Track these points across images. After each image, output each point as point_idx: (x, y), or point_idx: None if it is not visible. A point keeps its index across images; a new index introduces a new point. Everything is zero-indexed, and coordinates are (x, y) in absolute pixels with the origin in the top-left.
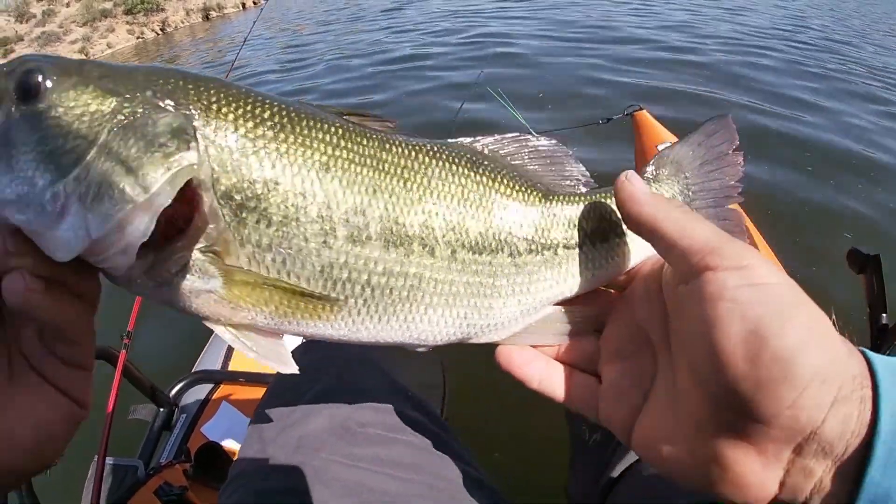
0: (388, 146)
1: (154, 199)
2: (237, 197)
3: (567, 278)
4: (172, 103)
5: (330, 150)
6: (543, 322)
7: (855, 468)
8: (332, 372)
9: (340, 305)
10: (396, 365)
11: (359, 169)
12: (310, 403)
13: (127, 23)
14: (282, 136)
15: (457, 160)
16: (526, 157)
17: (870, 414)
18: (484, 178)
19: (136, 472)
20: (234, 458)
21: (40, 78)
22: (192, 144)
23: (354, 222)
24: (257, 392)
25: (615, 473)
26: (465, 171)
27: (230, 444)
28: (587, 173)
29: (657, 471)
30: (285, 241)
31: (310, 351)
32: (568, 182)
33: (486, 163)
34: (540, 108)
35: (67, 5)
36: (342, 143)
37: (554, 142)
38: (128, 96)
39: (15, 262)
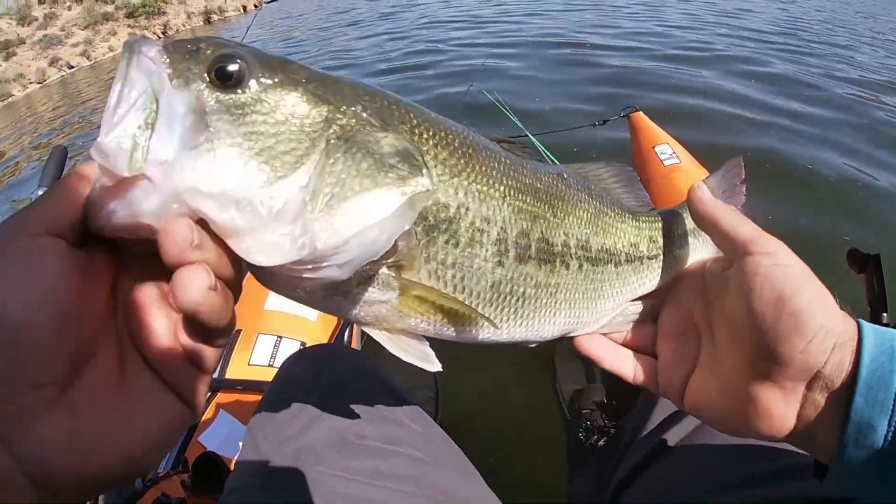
0: (538, 176)
1: (395, 220)
2: (431, 218)
3: (646, 281)
4: (382, 123)
5: (505, 180)
6: (620, 315)
7: (846, 400)
8: (330, 381)
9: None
10: (391, 371)
11: (524, 197)
12: (307, 414)
13: (129, 26)
14: (471, 165)
15: (580, 187)
16: (612, 180)
17: (855, 359)
18: (598, 203)
19: (134, 484)
20: (232, 469)
21: (241, 67)
22: (424, 171)
23: (521, 244)
24: (255, 400)
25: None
26: (587, 197)
27: (228, 454)
28: (646, 194)
29: (707, 422)
30: (468, 261)
31: (303, 360)
32: (639, 202)
33: (595, 188)
34: (536, 110)
35: (69, 8)
36: (511, 172)
37: (628, 168)
38: (340, 108)
39: (198, 256)
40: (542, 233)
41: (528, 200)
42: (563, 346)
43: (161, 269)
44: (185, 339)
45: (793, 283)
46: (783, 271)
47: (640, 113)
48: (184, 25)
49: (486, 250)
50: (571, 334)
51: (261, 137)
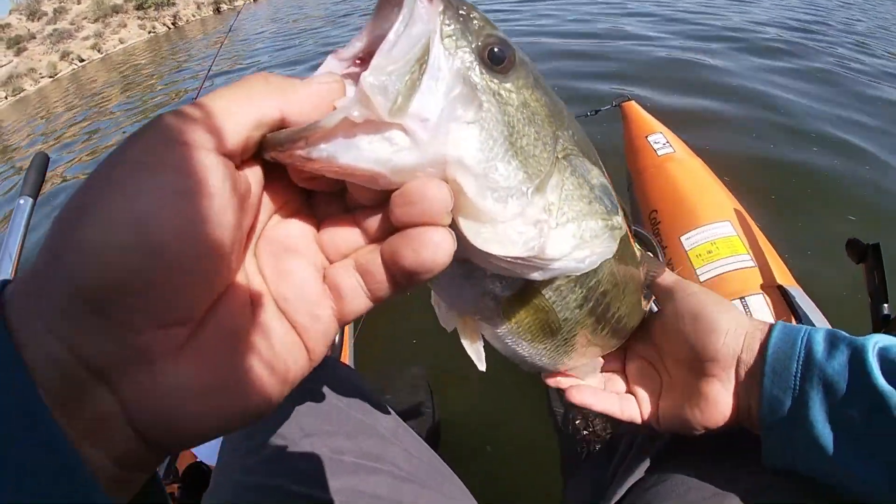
0: (630, 241)
1: (605, 249)
2: None
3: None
4: (583, 153)
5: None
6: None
7: (760, 380)
8: (303, 391)
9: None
10: (380, 387)
11: (621, 266)
12: (282, 425)
13: (138, 17)
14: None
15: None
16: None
17: (762, 345)
18: (637, 283)
19: None
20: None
21: (511, 56)
22: (619, 211)
23: (601, 301)
24: None
25: (622, 491)
26: (638, 275)
27: None
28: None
29: (681, 432)
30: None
31: None
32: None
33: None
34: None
35: (78, 2)
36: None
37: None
38: (562, 126)
39: (447, 220)
40: (611, 299)
41: (621, 271)
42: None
43: (318, 212)
44: (348, 283)
45: (700, 304)
46: (691, 298)
47: (633, 102)
48: (193, 16)
49: (583, 295)
50: (561, 369)
51: (521, 136)
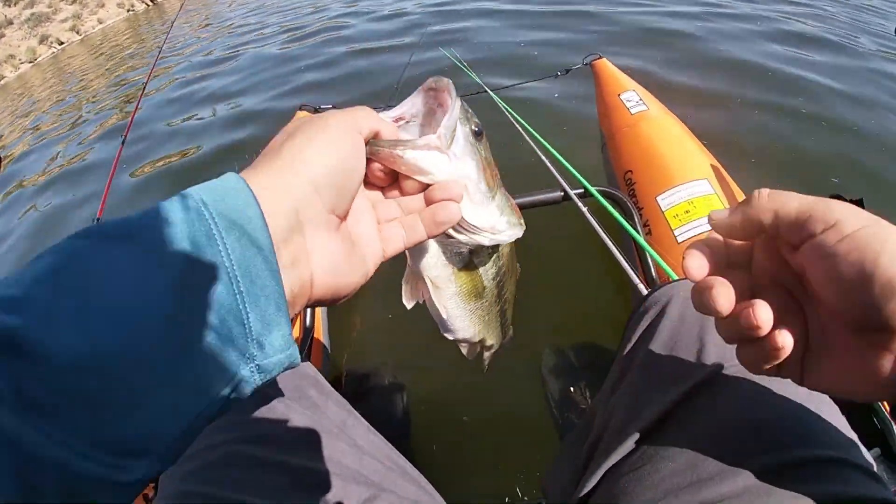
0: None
1: (518, 233)
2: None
3: None
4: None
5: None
6: None
7: None
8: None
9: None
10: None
11: (513, 259)
12: (223, 429)
13: None
14: None
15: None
16: None
17: None
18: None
19: None
20: None
21: (482, 132)
22: (522, 221)
23: (504, 283)
24: None
25: (595, 479)
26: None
27: None
28: None
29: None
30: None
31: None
32: None
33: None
34: (493, 63)
35: None
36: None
37: None
38: (496, 165)
39: (460, 201)
40: (506, 281)
41: (512, 264)
42: (549, 351)
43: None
44: (394, 233)
45: (870, 251)
46: (852, 242)
47: (605, 60)
48: None
49: (494, 271)
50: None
51: (486, 170)
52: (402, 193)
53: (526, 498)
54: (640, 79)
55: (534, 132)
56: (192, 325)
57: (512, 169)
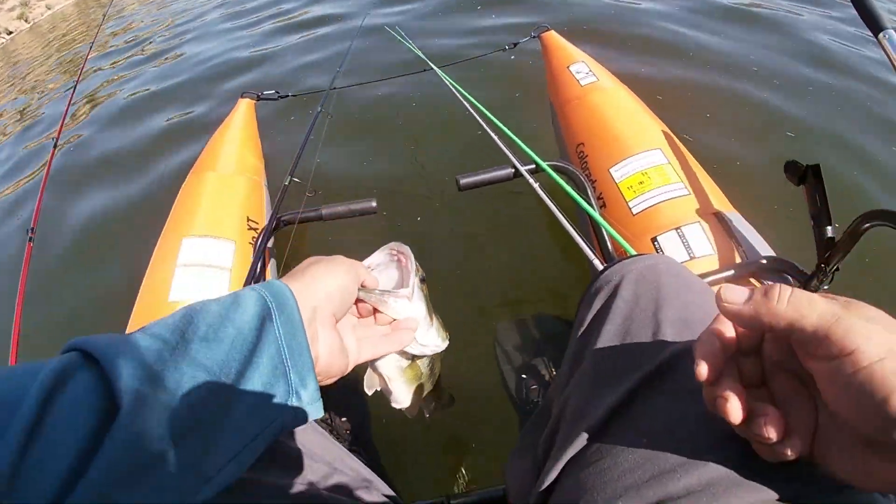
0: None
1: (444, 346)
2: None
3: None
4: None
5: None
6: None
7: None
8: None
9: None
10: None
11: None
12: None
13: None
14: None
15: None
16: None
17: None
18: None
19: None
20: None
21: (424, 279)
22: (448, 339)
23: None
24: None
25: (554, 474)
26: None
27: None
28: None
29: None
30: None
31: None
32: None
33: None
34: (439, 39)
35: None
36: None
37: None
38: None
39: (414, 330)
40: (435, 368)
41: (439, 358)
42: (506, 326)
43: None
44: (365, 350)
45: (887, 386)
46: (869, 375)
47: (553, 32)
48: None
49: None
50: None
51: (427, 304)
52: (376, 321)
53: (487, 487)
54: (591, 51)
55: (482, 108)
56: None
57: (462, 147)
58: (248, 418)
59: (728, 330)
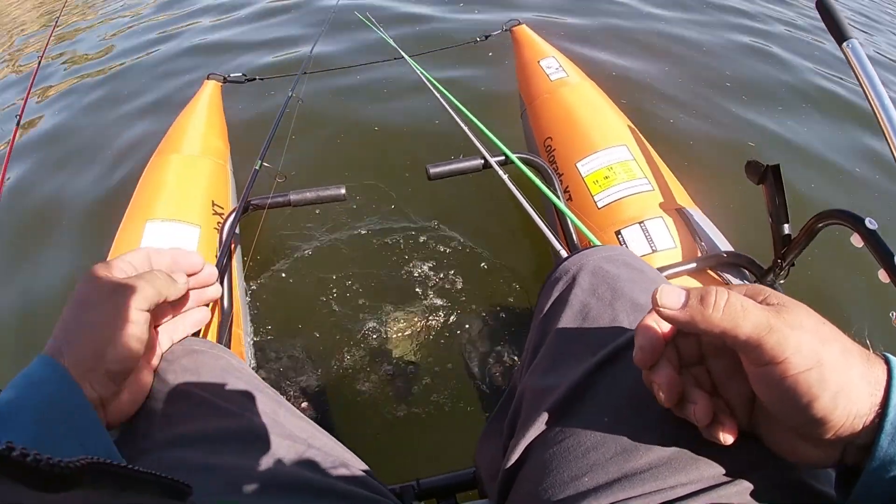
0: None
1: None
2: None
3: None
4: None
5: None
6: None
7: (874, 437)
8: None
9: None
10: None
11: None
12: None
13: None
14: None
15: None
16: None
17: (882, 401)
18: None
19: None
20: None
21: None
22: None
23: None
24: None
25: (517, 453)
26: None
27: None
28: None
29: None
30: None
31: None
32: None
33: None
34: (411, 27)
35: None
36: None
37: None
38: None
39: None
40: None
41: None
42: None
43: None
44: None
45: (812, 393)
46: (796, 382)
47: (524, 26)
48: None
49: None
50: None
51: None
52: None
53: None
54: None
55: (453, 99)
56: None
57: (432, 137)
58: None
59: (664, 323)
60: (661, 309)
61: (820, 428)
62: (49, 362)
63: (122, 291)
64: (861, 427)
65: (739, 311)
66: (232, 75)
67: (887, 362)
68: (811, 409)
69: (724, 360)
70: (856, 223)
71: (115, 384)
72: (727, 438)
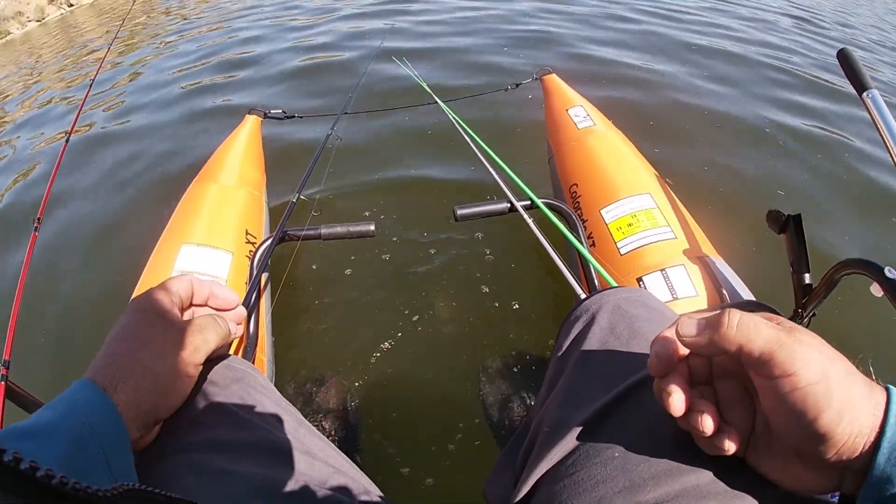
0: None
1: None
2: None
3: None
4: None
5: None
6: None
7: (872, 456)
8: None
9: None
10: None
11: None
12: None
13: None
14: None
15: None
16: None
17: (881, 423)
18: None
19: None
20: None
21: None
22: None
23: None
24: None
25: (529, 484)
26: None
27: None
28: None
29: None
30: None
31: None
32: None
33: None
34: (446, 73)
35: None
36: None
37: None
38: None
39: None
40: None
41: None
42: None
43: None
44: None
45: (818, 407)
46: (803, 395)
47: (554, 75)
48: None
49: None
50: None
51: None
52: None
53: None
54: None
55: (482, 144)
56: None
57: (461, 180)
58: None
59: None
60: (683, 339)
61: (824, 444)
62: (97, 392)
63: (183, 342)
64: (861, 449)
65: (752, 328)
66: (272, 111)
67: (887, 390)
68: (817, 422)
69: (731, 382)
70: (876, 272)
71: (158, 425)
72: (730, 446)
